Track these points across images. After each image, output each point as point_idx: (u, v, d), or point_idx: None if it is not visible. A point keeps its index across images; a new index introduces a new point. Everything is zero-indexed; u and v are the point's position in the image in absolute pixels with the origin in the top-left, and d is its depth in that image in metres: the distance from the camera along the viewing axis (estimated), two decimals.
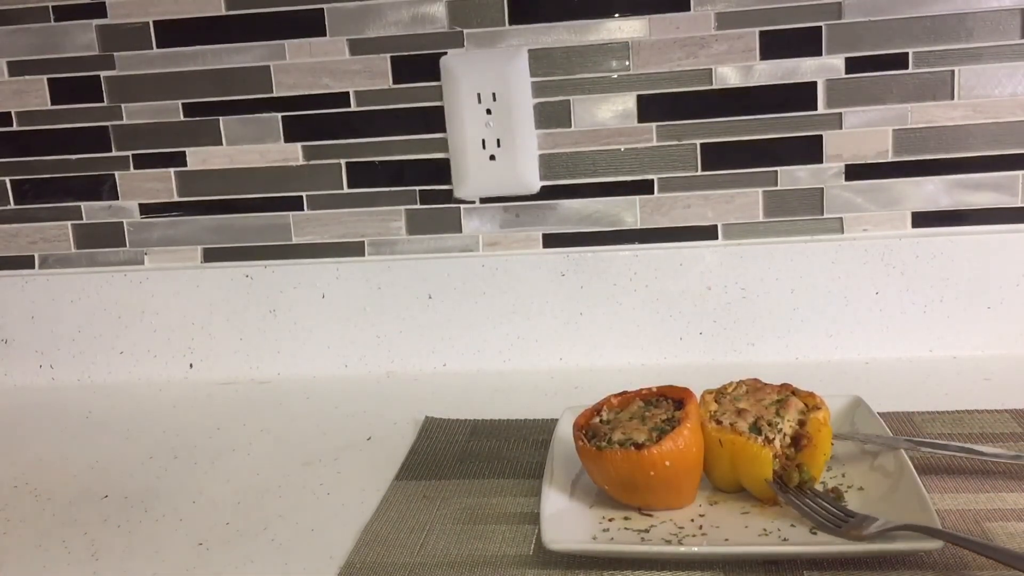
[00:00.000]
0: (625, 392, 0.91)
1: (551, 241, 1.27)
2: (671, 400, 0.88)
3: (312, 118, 1.27)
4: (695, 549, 0.78)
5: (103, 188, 1.31)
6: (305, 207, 1.29)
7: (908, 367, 1.21)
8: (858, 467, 0.90)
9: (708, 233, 1.25)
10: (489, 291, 1.27)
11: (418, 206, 1.27)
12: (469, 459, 1.01)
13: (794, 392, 0.91)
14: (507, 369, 1.27)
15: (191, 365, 1.32)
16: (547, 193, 1.25)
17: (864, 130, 1.20)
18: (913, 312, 1.22)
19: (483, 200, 1.26)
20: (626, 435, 0.83)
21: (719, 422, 0.87)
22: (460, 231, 1.28)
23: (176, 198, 1.31)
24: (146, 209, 1.32)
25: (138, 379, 1.32)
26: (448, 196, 1.27)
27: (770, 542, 0.79)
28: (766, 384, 0.93)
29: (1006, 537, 0.78)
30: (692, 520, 0.83)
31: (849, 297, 1.23)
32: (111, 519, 0.94)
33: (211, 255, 1.32)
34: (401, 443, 1.06)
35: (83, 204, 1.32)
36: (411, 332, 1.28)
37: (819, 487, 0.86)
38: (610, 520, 0.84)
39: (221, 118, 1.28)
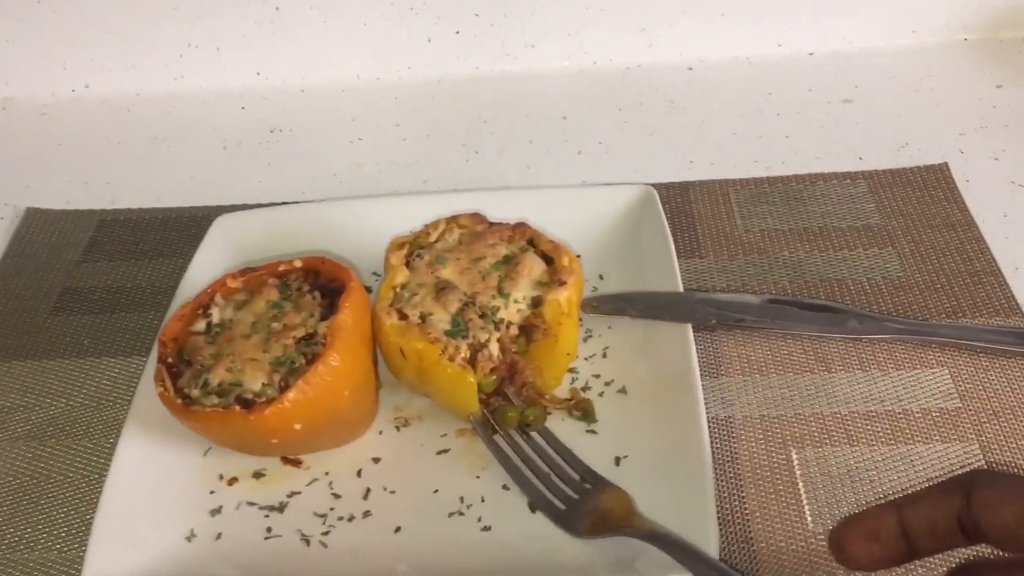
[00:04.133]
0: (250, 269, 0.55)
1: None
2: (321, 288, 0.54)
3: None
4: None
5: None
6: None
7: (746, 72, 0.87)
8: (624, 337, 0.60)
9: None
10: None
11: None
12: (68, 309, 0.67)
13: (532, 242, 0.57)
14: (179, 90, 0.88)
15: None
16: None
17: None
18: None
19: None
20: (233, 376, 0.50)
21: (403, 315, 0.54)
22: None
23: None
24: None
25: None
26: None
27: (461, 536, 0.51)
28: (493, 225, 0.59)
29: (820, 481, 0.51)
30: (359, 473, 0.54)
31: None
32: None
33: None
34: None
35: None
36: (27, 41, 0.85)
37: (558, 393, 0.57)
38: (230, 482, 0.54)
39: None
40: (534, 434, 0.53)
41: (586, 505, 0.49)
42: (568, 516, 0.49)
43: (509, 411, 0.53)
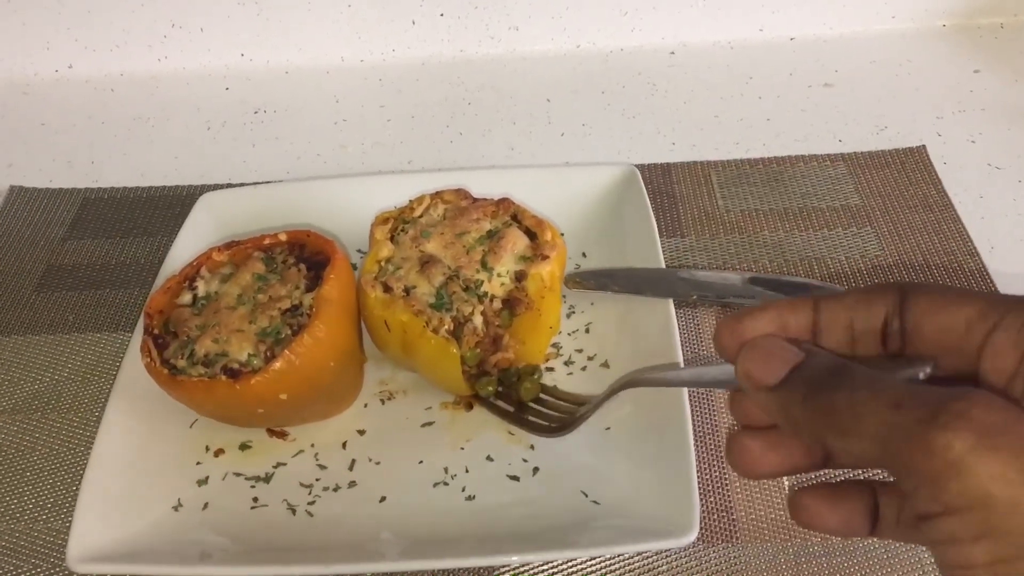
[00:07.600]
0: (235, 242, 0.56)
1: None
2: (306, 261, 0.54)
3: None
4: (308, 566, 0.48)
5: None
6: None
7: (728, 57, 0.87)
8: (607, 313, 0.61)
9: None
10: None
11: None
12: (53, 285, 0.67)
13: (516, 217, 0.58)
14: (163, 71, 0.88)
15: None
16: None
17: None
18: None
19: None
20: (219, 346, 0.50)
21: (388, 288, 0.54)
22: None
23: None
24: None
25: None
26: None
27: (446, 505, 0.51)
28: (478, 200, 0.59)
29: None
30: (344, 445, 0.55)
31: None
32: None
33: None
34: None
35: None
36: (10, 21, 0.85)
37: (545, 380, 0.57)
38: (216, 454, 0.54)
39: None
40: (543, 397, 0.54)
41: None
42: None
43: (488, 384, 0.54)
